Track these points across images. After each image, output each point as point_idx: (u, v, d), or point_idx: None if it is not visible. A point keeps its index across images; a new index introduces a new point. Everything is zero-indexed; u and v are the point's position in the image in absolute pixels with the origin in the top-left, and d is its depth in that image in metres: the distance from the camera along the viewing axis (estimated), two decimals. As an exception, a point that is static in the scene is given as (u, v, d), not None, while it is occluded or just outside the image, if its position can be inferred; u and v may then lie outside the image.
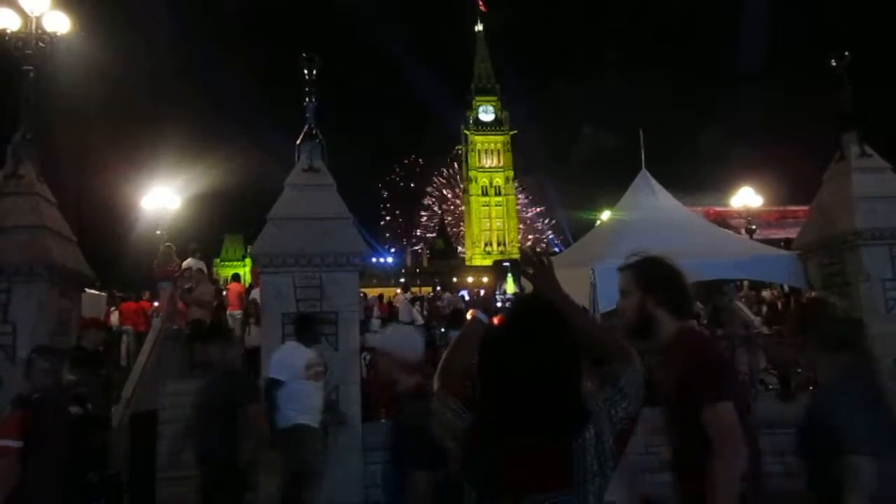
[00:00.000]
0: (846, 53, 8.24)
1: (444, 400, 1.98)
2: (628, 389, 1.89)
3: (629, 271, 2.71)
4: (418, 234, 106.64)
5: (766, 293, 16.53)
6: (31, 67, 7.40)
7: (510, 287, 2.27)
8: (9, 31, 7.58)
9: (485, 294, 2.38)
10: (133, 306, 14.01)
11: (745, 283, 15.39)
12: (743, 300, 15.39)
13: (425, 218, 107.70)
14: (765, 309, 15.91)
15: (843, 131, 8.36)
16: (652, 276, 2.67)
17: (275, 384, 5.74)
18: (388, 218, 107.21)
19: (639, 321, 2.63)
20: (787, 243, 11.78)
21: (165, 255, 12.65)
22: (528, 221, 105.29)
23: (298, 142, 7.58)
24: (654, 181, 10.56)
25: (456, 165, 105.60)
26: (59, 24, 7.91)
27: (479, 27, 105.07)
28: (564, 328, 1.84)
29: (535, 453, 1.72)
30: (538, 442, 1.72)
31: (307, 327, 6.09)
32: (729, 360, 2.74)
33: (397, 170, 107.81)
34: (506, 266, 2.33)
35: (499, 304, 2.22)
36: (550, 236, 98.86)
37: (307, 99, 7.63)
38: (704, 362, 2.55)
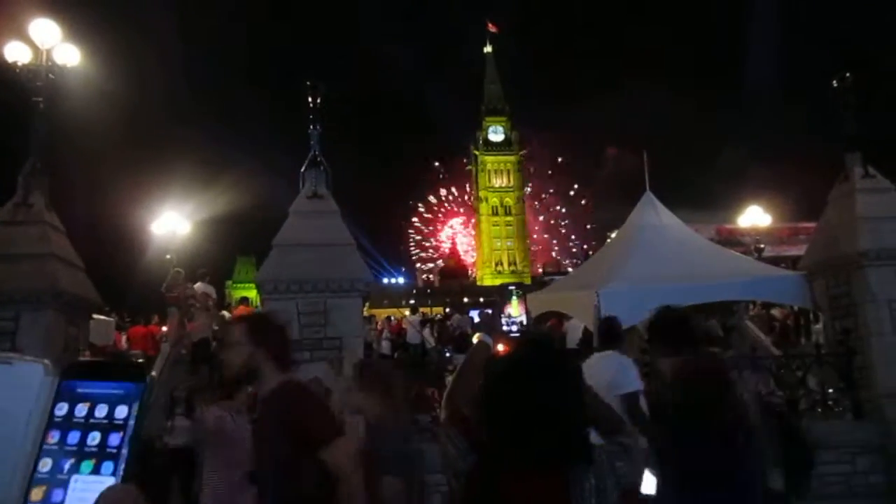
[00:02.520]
0: (847, 74, 8.24)
1: (450, 434, 1.99)
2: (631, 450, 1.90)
3: (242, 325, 2.95)
4: (430, 253, 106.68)
5: (776, 312, 16.40)
6: (40, 99, 7.55)
7: (515, 310, 2.31)
8: (20, 63, 7.75)
9: (489, 316, 2.42)
10: (142, 331, 14.11)
11: (757, 302, 15.30)
12: (756, 320, 15.29)
13: (437, 238, 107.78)
14: (777, 327, 15.79)
15: (846, 152, 8.36)
16: (263, 331, 2.89)
17: None
18: (404, 242, 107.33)
19: (245, 372, 2.85)
20: (797, 260, 11.73)
21: (174, 280, 12.72)
22: (538, 239, 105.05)
23: (303, 169, 7.69)
24: (658, 203, 10.56)
25: (467, 186, 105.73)
26: (70, 56, 8.07)
27: (489, 48, 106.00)
28: (569, 366, 1.87)
29: (535, 496, 1.72)
30: (539, 485, 1.73)
31: None
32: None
33: (410, 190, 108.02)
34: (511, 289, 2.37)
35: (504, 328, 2.26)
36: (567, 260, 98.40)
37: (312, 126, 7.74)
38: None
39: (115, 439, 1.61)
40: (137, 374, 1.72)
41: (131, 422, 1.63)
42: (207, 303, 12.19)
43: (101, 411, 1.65)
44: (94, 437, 1.62)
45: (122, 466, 1.59)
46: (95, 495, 1.49)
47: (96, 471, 1.58)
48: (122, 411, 1.64)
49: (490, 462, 1.80)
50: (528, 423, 1.75)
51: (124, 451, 1.60)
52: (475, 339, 2.36)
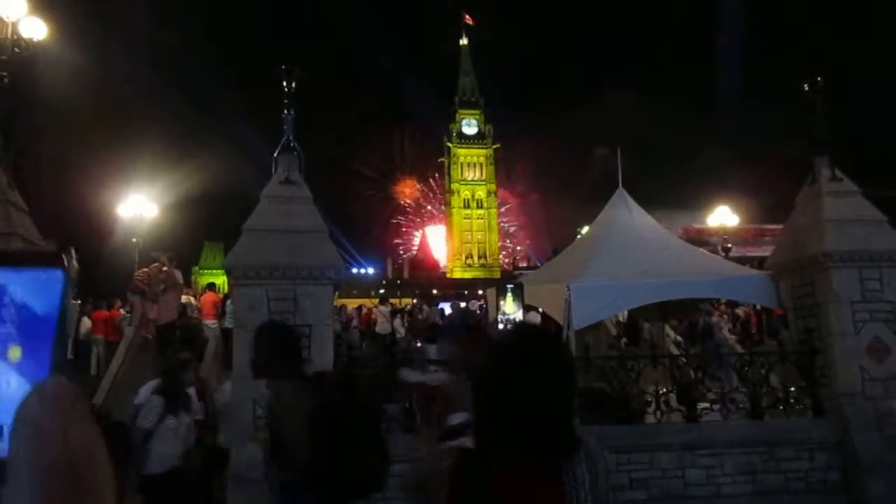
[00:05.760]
0: (818, 78, 8.38)
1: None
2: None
3: None
4: (400, 244, 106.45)
5: (739, 311, 16.73)
6: (5, 73, 7.33)
7: (510, 307, 2.27)
8: (-16, 36, 7.51)
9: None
10: (104, 315, 13.83)
11: (722, 300, 15.57)
12: (718, 317, 15.56)
13: (407, 229, 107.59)
14: (738, 326, 16.10)
15: (814, 155, 8.50)
16: None
17: None
18: (370, 229, 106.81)
19: None
20: (762, 261, 11.96)
21: (155, 272, 12.21)
22: (509, 233, 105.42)
23: (276, 154, 7.57)
24: (630, 199, 10.66)
25: (436, 177, 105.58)
26: (36, 29, 7.85)
27: (465, 41, 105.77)
28: (563, 355, 1.86)
29: (527, 488, 1.70)
30: (530, 476, 1.70)
31: None
32: None
33: (383, 181, 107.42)
34: (507, 287, 2.33)
35: (500, 326, 2.21)
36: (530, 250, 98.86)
37: (286, 111, 7.62)
38: None
39: (39, 327, 1.51)
40: (55, 261, 1.62)
41: (56, 309, 1.54)
42: (176, 282, 11.97)
43: (21, 300, 1.55)
44: (15, 325, 1.52)
45: (50, 354, 1.50)
46: (20, 383, 1.41)
47: (22, 361, 1.49)
48: (44, 299, 1.54)
49: (478, 456, 1.77)
50: (516, 414, 1.72)
51: (51, 340, 1.51)
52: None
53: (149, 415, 5.51)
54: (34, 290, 1.58)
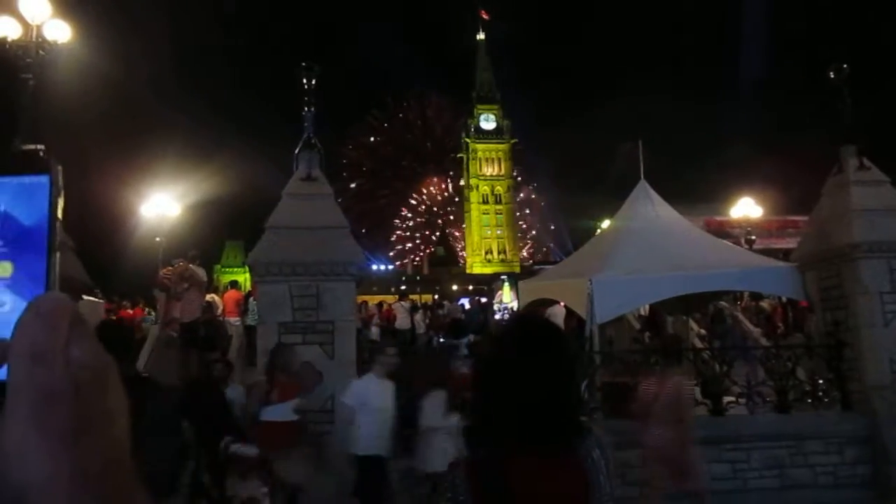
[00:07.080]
0: (844, 66, 8.22)
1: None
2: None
3: None
4: (420, 240, 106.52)
5: (764, 303, 16.52)
6: (30, 75, 7.42)
7: (507, 296, 2.27)
8: (9, 38, 7.62)
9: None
10: (128, 315, 14.00)
11: (746, 293, 15.39)
12: (745, 311, 15.37)
13: (427, 224, 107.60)
14: (762, 319, 15.90)
15: (841, 144, 8.35)
16: None
17: None
18: (389, 225, 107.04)
19: None
20: (787, 253, 11.78)
21: (180, 271, 12.16)
22: (526, 227, 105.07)
23: (297, 151, 7.60)
24: (652, 192, 10.56)
25: (456, 172, 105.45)
26: (60, 32, 7.94)
27: (481, 36, 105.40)
28: (563, 343, 1.84)
29: (547, 475, 1.69)
30: (549, 464, 1.69)
31: None
32: None
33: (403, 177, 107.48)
34: (502, 279, 2.33)
35: (497, 316, 2.21)
36: (551, 245, 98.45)
37: (306, 108, 7.64)
38: None
39: (29, 240, 1.43)
40: (40, 165, 1.55)
41: (45, 219, 1.46)
42: (200, 281, 12.05)
43: (5, 210, 1.46)
44: (3, 239, 1.44)
45: (45, 269, 1.44)
46: (15, 302, 1.33)
47: (14, 278, 1.42)
48: (31, 209, 1.45)
49: (493, 451, 1.73)
50: (521, 404, 1.70)
51: (44, 252, 1.43)
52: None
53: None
54: (19, 198, 1.46)
